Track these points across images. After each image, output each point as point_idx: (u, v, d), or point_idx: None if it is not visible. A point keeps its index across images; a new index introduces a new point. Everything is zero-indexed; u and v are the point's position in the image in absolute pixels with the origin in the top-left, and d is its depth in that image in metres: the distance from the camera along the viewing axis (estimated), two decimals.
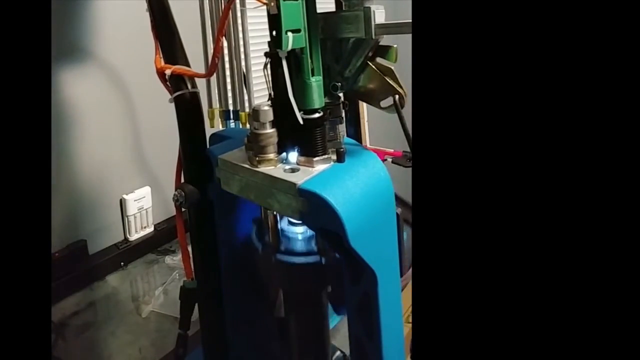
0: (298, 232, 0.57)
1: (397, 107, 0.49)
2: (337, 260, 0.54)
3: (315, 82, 0.47)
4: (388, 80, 0.50)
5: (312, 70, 0.47)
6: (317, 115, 0.48)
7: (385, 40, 0.51)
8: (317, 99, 0.48)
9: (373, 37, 0.48)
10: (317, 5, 0.48)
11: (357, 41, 0.50)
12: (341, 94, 0.54)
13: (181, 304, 0.64)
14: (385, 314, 0.47)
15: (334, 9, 0.54)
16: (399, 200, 0.50)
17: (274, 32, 0.45)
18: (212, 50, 0.57)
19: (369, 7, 0.48)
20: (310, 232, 0.57)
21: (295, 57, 0.47)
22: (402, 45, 0.52)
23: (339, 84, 0.52)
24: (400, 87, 0.50)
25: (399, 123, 0.49)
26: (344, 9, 0.50)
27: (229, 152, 0.54)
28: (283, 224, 0.58)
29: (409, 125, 0.48)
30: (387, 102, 0.52)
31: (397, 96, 0.50)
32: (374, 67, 0.51)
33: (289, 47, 0.45)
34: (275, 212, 0.56)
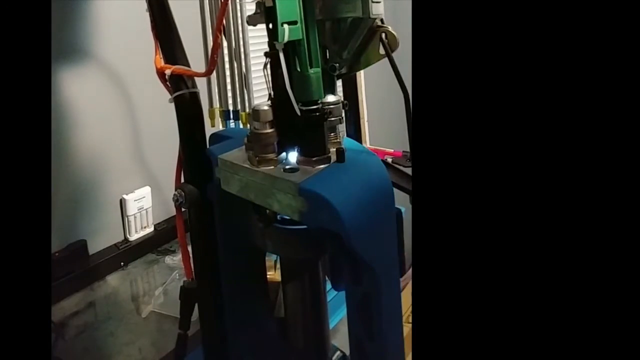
0: None
1: (385, 46, 0.49)
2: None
3: (314, 74, 0.47)
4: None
5: (311, 62, 0.47)
6: (315, 107, 0.48)
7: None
8: (316, 90, 0.48)
9: (371, 16, 0.48)
10: None
11: (355, 21, 0.50)
12: (341, 94, 0.54)
13: (181, 304, 0.64)
14: (385, 314, 0.47)
15: None
16: (394, 169, 0.49)
17: (270, 25, 0.45)
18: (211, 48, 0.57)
19: None
20: None
21: (292, 49, 0.47)
22: (402, 45, 0.52)
23: (337, 64, 0.52)
24: (382, 25, 0.50)
25: (399, 123, 0.49)
26: None
27: (229, 152, 0.54)
28: None
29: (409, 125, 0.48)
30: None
31: (384, 34, 0.50)
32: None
33: (286, 39, 0.45)
34: None
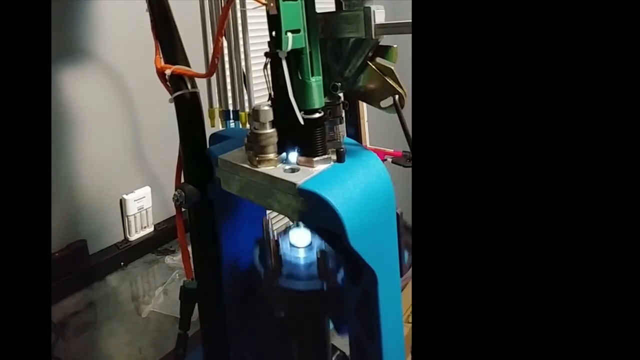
0: (300, 257, 0.58)
1: (397, 107, 0.50)
2: (339, 285, 0.54)
3: (315, 82, 0.47)
4: (388, 80, 0.50)
5: (312, 70, 0.47)
6: (317, 115, 0.48)
7: (385, 40, 0.51)
8: (317, 99, 0.48)
9: (373, 37, 0.48)
10: (317, 6, 0.48)
11: (357, 41, 0.50)
12: (341, 94, 0.54)
13: (181, 304, 0.64)
14: (385, 314, 0.47)
15: (334, 9, 0.54)
16: (401, 224, 0.50)
17: (273, 33, 0.45)
18: (212, 50, 0.57)
19: (369, 7, 0.48)
20: (312, 258, 0.57)
21: (295, 57, 0.47)
22: (402, 45, 0.52)
23: (339, 83, 0.52)
24: (400, 87, 0.50)
25: (399, 123, 0.49)
26: (344, 8, 0.50)
27: (229, 152, 0.54)
28: (284, 247, 0.58)
29: (409, 125, 0.48)
30: (387, 102, 0.52)
31: (397, 96, 0.50)
32: (373, 67, 0.51)
33: (289, 48, 0.45)
34: (276, 237, 0.57)
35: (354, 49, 0.51)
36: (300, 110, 0.47)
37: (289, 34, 0.44)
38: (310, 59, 0.47)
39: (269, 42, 0.47)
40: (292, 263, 0.57)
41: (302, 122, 0.47)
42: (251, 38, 0.61)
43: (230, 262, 0.62)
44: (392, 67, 0.51)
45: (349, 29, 0.50)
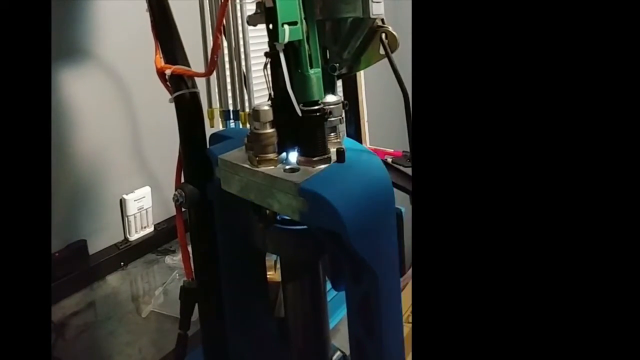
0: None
1: (384, 46, 0.49)
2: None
3: (314, 74, 0.47)
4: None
5: (311, 62, 0.47)
6: (316, 107, 0.48)
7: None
8: (317, 91, 0.48)
9: (371, 16, 0.49)
10: None
11: (356, 21, 0.50)
12: (341, 94, 0.54)
13: (181, 304, 0.64)
14: (385, 314, 0.47)
15: None
16: (393, 169, 0.49)
17: (270, 25, 0.45)
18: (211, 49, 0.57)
19: None
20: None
21: (293, 50, 0.47)
22: (403, 45, 0.52)
23: (337, 64, 0.52)
24: (382, 25, 0.50)
25: (399, 123, 0.49)
26: None
27: (229, 152, 0.54)
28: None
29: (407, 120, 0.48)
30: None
31: (383, 34, 0.50)
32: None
33: (286, 40, 0.45)
34: None
35: (352, 29, 0.51)
36: (299, 104, 0.47)
37: (286, 26, 0.44)
38: (308, 50, 0.47)
39: (269, 42, 0.47)
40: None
41: (300, 113, 0.47)
42: (251, 38, 0.61)
43: (230, 263, 0.62)
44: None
45: (347, 9, 0.50)
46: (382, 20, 0.51)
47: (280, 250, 0.56)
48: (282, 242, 0.54)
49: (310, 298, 0.58)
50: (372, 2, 0.48)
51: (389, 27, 0.50)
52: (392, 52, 0.50)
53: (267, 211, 0.52)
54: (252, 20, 0.51)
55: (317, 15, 0.48)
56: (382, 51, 0.51)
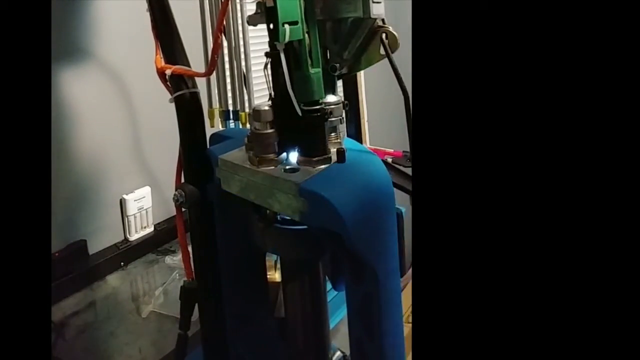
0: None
1: (385, 46, 0.49)
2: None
3: (315, 74, 0.47)
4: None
5: (311, 62, 0.47)
6: (316, 107, 0.48)
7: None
8: (317, 91, 0.48)
9: (371, 16, 0.49)
10: None
11: (356, 21, 0.50)
12: (341, 94, 0.54)
13: (181, 304, 0.64)
14: (385, 314, 0.47)
15: None
16: (395, 170, 0.49)
17: (271, 25, 0.45)
18: (211, 48, 0.57)
19: None
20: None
21: (293, 50, 0.47)
22: (402, 45, 0.52)
23: (337, 64, 0.52)
24: (383, 25, 0.50)
25: (399, 123, 0.49)
26: None
27: (229, 152, 0.53)
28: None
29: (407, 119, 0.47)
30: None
31: (384, 34, 0.50)
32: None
33: (286, 40, 0.45)
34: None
35: (352, 29, 0.51)
36: (299, 104, 0.47)
37: (286, 26, 0.44)
38: (309, 50, 0.47)
39: (269, 42, 0.47)
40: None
41: (300, 113, 0.47)
42: (251, 38, 0.61)
43: (230, 262, 0.62)
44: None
45: (347, 8, 0.50)
46: (383, 20, 0.51)
47: (280, 250, 0.56)
48: (281, 242, 0.54)
49: (311, 298, 0.58)
50: (373, 2, 0.48)
51: (389, 27, 0.50)
52: (392, 52, 0.50)
53: (267, 211, 0.52)
54: (253, 20, 0.51)
55: (317, 15, 0.48)
56: (382, 51, 0.51)
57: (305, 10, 0.46)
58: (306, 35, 0.46)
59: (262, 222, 0.53)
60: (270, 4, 0.44)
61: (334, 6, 0.50)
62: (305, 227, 0.51)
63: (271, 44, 0.47)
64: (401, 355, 0.50)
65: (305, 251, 0.55)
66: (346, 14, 0.50)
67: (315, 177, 0.46)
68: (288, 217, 0.51)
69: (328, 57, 0.53)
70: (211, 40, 0.60)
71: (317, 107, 0.48)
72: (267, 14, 0.45)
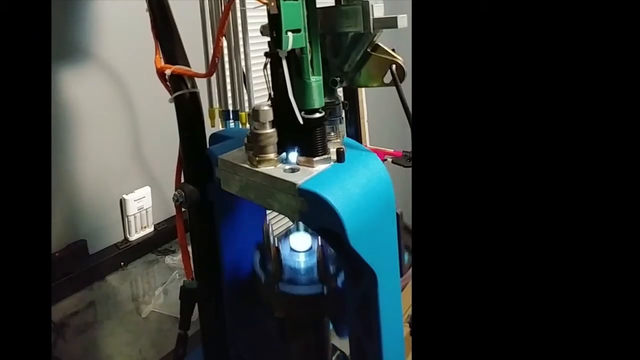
0: (300, 261, 0.58)
1: (394, 77, 0.49)
2: (339, 289, 0.54)
3: (315, 82, 0.47)
4: (379, 55, 0.50)
5: (312, 70, 0.47)
6: (317, 115, 0.48)
7: (385, 41, 0.51)
8: (317, 98, 0.48)
9: (372, 31, 0.49)
10: (316, 0, 0.48)
11: (356, 35, 0.50)
12: (341, 94, 0.54)
13: (181, 304, 0.64)
14: (385, 314, 0.47)
15: (332, 4, 0.55)
16: (401, 225, 0.50)
17: (274, 33, 0.45)
18: (212, 50, 0.57)
19: (367, 2, 0.48)
20: (312, 262, 0.57)
21: (295, 57, 0.47)
22: (402, 45, 0.52)
23: (338, 78, 0.52)
24: (394, 56, 0.50)
25: (399, 123, 0.49)
26: (342, 3, 0.50)
27: (229, 152, 0.54)
28: (285, 252, 0.58)
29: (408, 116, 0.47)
30: (388, 77, 0.51)
31: (394, 66, 0.50)
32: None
33: (289, 47, 0.45)
34: (277, 243, 0.57)
35: (353, 43, 0.51)
36: (300, 111, 0.47)
37: (290, 34, 0.44)
38: (310, 58, 0.47)
39: (269, 42, 0.47)
40: (292, 268, 0.57)
41: (301, 122, 0.47)
42: (251, 38, 0.61)
43: (230, 262, 0.62)
44: (379, 43, 0.51)
45: (347, 23, 0.50)
46: (393, 50, 0.51)
47: (287, 314, 0.58)
48: (287, 306, 0.56)
49: (316, 352, 0.60)
50: (372, 17, 0.48)
51: (400, 60, 0.50)
52: (400, 82, 0.50)
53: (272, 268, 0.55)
54: (266, 31, 0.51)
55: (318, 29, 0.48)
56: (387, 80, 0.51)
57: (308, 18, 0.46)
58: (308, 43, 0.47)
59: (267, 282, 0.55)
60: (274, 11, 0.44)
61: (334, 21, 0.50)
62: (310, 292, 0.53)
63: (271, 44, 0.47)
64: (401, 355, 0.50)
65: (311, 314, 0.57)
66: (346, 28, 0.50)
67: (315, 177, 0.46)
68: (292, 277, 0.54)
69: (328, 69, 0.53)
70: (211, 40, 0.60)
71: (318, 115, 0.48)
72: (270, 21, 0.45)
